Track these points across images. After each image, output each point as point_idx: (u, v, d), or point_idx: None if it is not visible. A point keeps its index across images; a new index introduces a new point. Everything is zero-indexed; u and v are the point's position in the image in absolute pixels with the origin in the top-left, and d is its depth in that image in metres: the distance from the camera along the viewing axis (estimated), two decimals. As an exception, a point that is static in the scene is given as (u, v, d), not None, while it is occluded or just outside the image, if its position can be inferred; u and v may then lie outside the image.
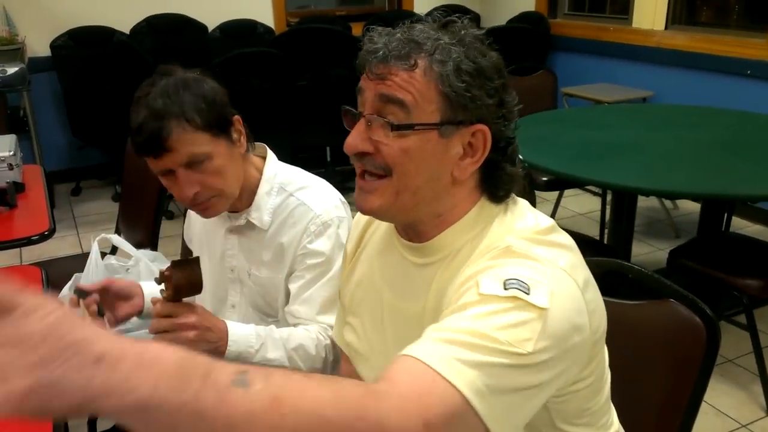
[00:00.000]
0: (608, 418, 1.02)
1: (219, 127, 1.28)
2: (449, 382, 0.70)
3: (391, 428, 0.65)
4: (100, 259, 1.70)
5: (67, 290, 1.77)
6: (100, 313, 1.35)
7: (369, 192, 0.91)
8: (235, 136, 1.33)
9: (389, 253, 1.03)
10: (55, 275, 1.76)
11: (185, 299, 1.23)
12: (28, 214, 2.11)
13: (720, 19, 4.49)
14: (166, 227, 1.51)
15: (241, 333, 1.28)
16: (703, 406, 1.13)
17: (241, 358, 1.26)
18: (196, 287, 1.21)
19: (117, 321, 1.40)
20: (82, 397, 0.53)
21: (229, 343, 1.25)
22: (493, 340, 0.74)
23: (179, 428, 0.57)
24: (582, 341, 0.83)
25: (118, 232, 2.47)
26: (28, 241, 1.94)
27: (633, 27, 4.64)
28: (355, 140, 0.90)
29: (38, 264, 1.90)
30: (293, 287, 1.37)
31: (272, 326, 1.35)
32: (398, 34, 0.89)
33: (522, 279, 0.79)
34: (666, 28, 4.45)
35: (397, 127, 0.86)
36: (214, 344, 1.23)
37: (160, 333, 1.19)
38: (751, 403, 2.42)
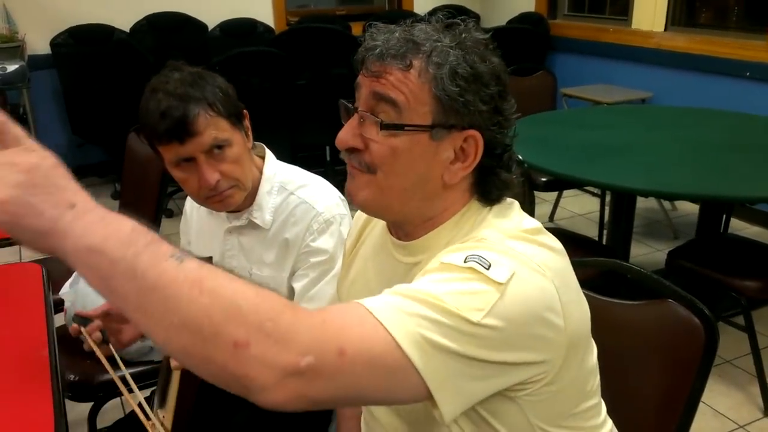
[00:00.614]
0: (597, 420, 1.00)
1: (235, 116, 1.32)
2: (384, 327, 0.71)
3: (301, 341, 0.66)
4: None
5: (68, 287, 1.77)
6: (105, 340, 1.31)
7: (355, 178, 0.91)
8: (245, 128, 1.36)
9: (382, 252, 1.03)
10: (56, 273, 1.76)
11: None
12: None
13: (719, 21, 4.49)
14: (165, 225, 1.51)
15: None
16: (701, 407, 1.13)
17: None
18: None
19: (122, 346, 1.35)
20: (48, 229, 0.64)
21: None
22: (442, 301, 0.74)
23: (113, 279, 0.64)
24: (552, 338, 0.81)
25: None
26: (28, 239, 1.93)
27: (632, 28, 4.65)
28: (346, 135, 0.90)
29: (38, 261, 1.90)
30: (297, 286, 1.38)
31: None
32: (398, 33, 0.88)
33: (484, 256, 0.79)
34: (665, 29, 4.46)
35: (387, 126, 0.86)
36: None
37: None
38: (749, 404, 2.43)
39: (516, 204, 0.96)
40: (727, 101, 3.77)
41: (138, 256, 0.64)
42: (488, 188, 0.92)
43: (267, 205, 1.39)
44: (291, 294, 1.41)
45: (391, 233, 1.00)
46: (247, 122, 1.37)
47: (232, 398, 1.42)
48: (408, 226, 0.95)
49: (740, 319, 2.40)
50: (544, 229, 0.91)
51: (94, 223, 0.65)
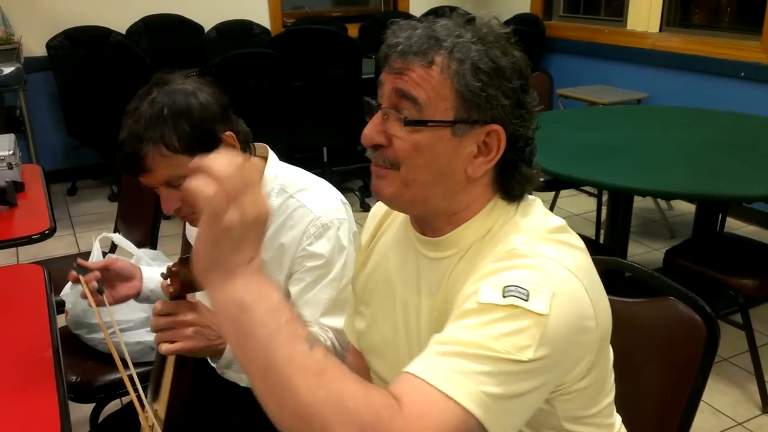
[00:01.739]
0: (612, 419, 1.03)
1: (202, 148, 1.25)
2: (450, 398, 0.72)
3: None
4: (102, 257, 1.70)
5: (68, 289, 1.78)
6: (100, 291, 1.39)
7: (381, 178, 0.92)
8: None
9: (404, 246, 1.04)
10: (55, 274, 1.76)
11: (189, 296, 1.24)
12: (28, 213, 2.11)
13: (714, 22, 4.52)
14: (165, 226, 1.52)
15: None
16: (699, 405, 1.14)
17: None
18: (200, 285, 1.21)
19: (115, 300, 1.44)
20: (226, 268, 0.71)
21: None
22: (492, 350, 0.75)
23: (249, 341, 0.69)
24: (589, 340, 0.84)
25: (116, 231, 2.47)
26: (28, 240, 1.94)
27: (627, 29, 4.67)
28: (371, 131, 0.90)
29: (39, 263, 1.90)
30: (293, 290, 1.37)
31: None
32: (420, 30, 0.88)
33: (521, 285, 0.79)
34: (660, 30, 4.48)
35: (410, 122, 0.87)
36: (213, 342, 1.23)
37: (160, 331, 1.20)
38: (747, 402, 2.44)
39: (538, 201, 0.97)
40: (722, 101, 3.80)
41: (278, 329, 0.68)
42: (510, 183, 0.93)
43: None
44: (288, 297, 1.41)
45: (415, 228, 1.01)
46: (233, 142, 1.30)
47: (227, 397, 1.43)
48: (433, 221, 0.96)
49: (738, 317, 2.41)
50: (568, 226, 0.93)
51: (254, 282, 0.71)
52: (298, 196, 1.39)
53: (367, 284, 1.11)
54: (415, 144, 0.88)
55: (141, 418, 1.24)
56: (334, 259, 1.35)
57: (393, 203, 0.96)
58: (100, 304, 1.37)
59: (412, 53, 0.86)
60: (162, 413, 1.23)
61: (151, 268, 1.59)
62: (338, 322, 1.34)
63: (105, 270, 1.42)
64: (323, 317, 1.35)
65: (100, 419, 1.76)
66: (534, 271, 0.82)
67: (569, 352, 0.82)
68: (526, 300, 0.78)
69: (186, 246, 1.79)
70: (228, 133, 1.29)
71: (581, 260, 0.87)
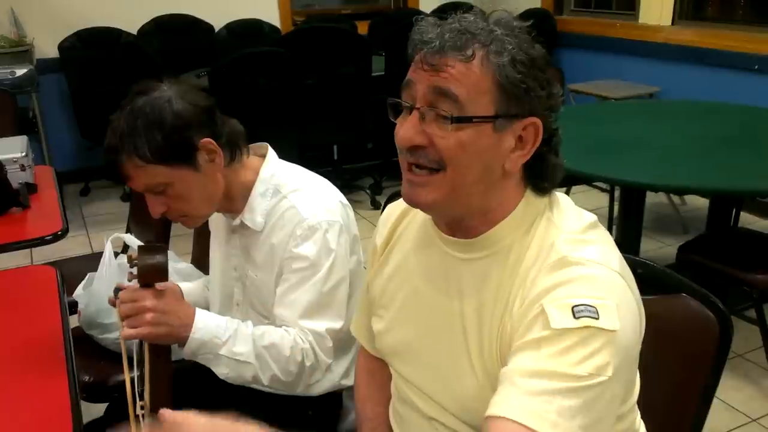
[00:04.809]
0: (635, 415, 1.03)
1: (177, 157, 1.27)
2: None
3: None
4: (114, 258, 1.71)
5: (81, 290, 1.79)
6: None
7: (421, 185, 0.90)
8: (205, 158, 1.30)
9: (428, 249, 1.02)
10: (68, 275, 1.77)
11: (158, 285, 1.26)
12: (41, 215, 2.12)
13: (727, 14, 4.48)
14: (176, 226, 1.52)
15: (209, 323, 1.29)
16: (713, 401, 1.13)
17: (206, 347, 1.28)
18: (161, 273, 1.23)
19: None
20: None
21: (193, 330, 1.27)
22: (577, 378, 0.78)
23: None
24: (640, 333, 0.89)
25: (128, 231, 2.48)
26: (41, 241, 1.95)
27: (639, 23, 4.63)
28: (409, 133, 0.88)
29: (51, 264, 1.92)
30: (279, 290, 1.37)
31: (248, 321, 1.36)
32: (451, 25, 0.87)
33: (589, 303, 0.81)
34: (673, 23, 4.45)
35: (456, 120, 0.85)
36: (174, 328, 1.25)
37: (123, 318, 1.23)
38: (761, 398, 2.42)
39: (562, 195, 0.98)
40: (735, 95, 3.76)
41: None
42: (540, 175, 0.94)
43: (259, 207, 1.38)
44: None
45: (442, 230, 0.99)
46: (212, 147, 1.30)
47: (222, 395, 1.43)
48: (468, 221, 0.94)
49: (752, 313, 2.39)
50: (598, 221, 0.95)
51: None
52: (291, 197, 1.38)
53: (387, 288, 1.09)
54: (460, 142, 0.86)
55: (130, 408, 1.26)
56: (320, 262, 1.34)
57: (435, 209, 0.94)
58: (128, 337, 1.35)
59: (450, 48, 0.85)
60: (148, 400, 1.25)
61: (190, 284, 1.61)
62: (320, 325, 1.34)
63: None
64: (303, 319, 1.34)
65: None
66: (593, 283, 0.83)
67: (636, 357, 0.88)
68: (597, 318, 0.80)
69: (196, 241, 1.80)
70: (206, 140, 1.29)
71: (620, 257, 0.90)
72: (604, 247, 0.88)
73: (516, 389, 0.79)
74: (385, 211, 1.16)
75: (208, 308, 1.58)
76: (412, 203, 0.93)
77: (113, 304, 1.37)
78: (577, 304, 0.81)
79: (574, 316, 0.80)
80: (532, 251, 0.90)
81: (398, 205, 1.13)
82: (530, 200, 0.94)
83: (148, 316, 1.22)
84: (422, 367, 1.02)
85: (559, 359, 0.78)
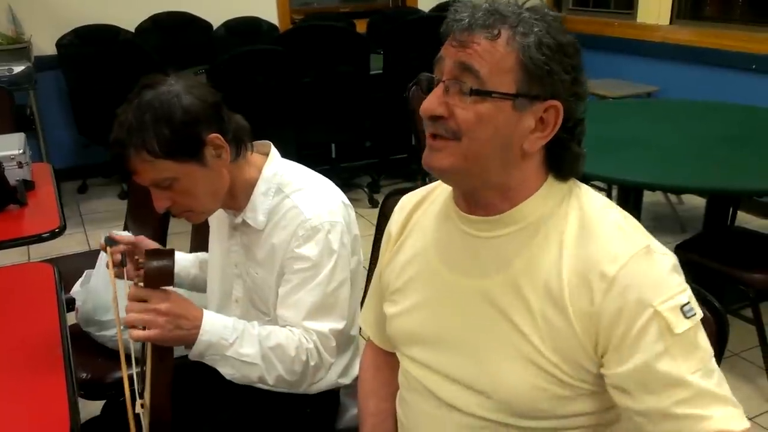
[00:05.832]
0: None
1: (185, 152, 1.27)
2: None
3: None
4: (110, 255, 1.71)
5: (78, 287, 1.79)
6: (122, 263, 1.41)
7: (438, 150, 0.93)
8: (212, 153, 1.30)
9: (445, 230, 1.05)
10: (65, 272, 1.77)
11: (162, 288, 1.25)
12: (39, 212, 2.12)
13: (725, 14, 4.48)
14: (174, 224, 1.52)
15: (216, 324, 1.28)
16: (711, 399, 1.13)
17: (213, 349, 1.28)
18: (167, 278, 1.22)
19: (136, 276, 1.41)
20: None
21: (201, 332, 1.26)
22: (711, 372, 0.89)
23: None
24: None
25: (126, 228, 2.48)
26: (38, 239, 1.95)
27: (638, 22, 4.64)
28: (431, 104, 0.92)
29: (49, 261, 1.92)
30: (281, 291, 1.37)
31: (254, 322, 1.36)
32: (483, 6, 0.91)
33: (688, 300, 0.90)
34: (671, 22, 4.45)
35: (474, 92, 0.89)
36: (186, 331, 1.25)
37: (133, 316, 1.21)
38: (757, 397, 2.43)
39: (575, 181, 1.01)
40: (733, 94, 3.76)
41: None
42: (561, 161, 0.97)
43: (261, 206, 1.38)
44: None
45: (461, 209, 1.02)
46: (219, 142, 1.30)
47: (219, 394, 1.44)
48: (487, 197, 0.97)
49: (748, 312, 2.40)
50: None
51: None
52: (293, 196, 1.38)
53: (402, 274, 1.10)
54: (478, 114, 0.89)
55: (129, 407, 1.26)
56: (323, 263, 1.34)
57: (449, 174, 0.96)
58: (119, 276, 1.39)
59: (478, 26, 0.89)
60: (147, 398, 1.25)
61: (181, 253, 1.61)
62: (323, 325, 1.34)
63: (133, 245, 1.45)
64: (306, 320, 1.34)
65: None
66: (672, 273, 0.92)
67: None
68: (695, 312, 0.89)
69: (194, 238, 1.80)
70: (213, 135, 1.29)
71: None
72: (642, 228, 0.96)
73: (665, 405, 0.87)
74: (399, 202, 1.19)
75: (202, 285, 1.63)
76: (429, 167, 0.96)
77: (104, 249, 1.42)
78: (684, 303, 0.89)
79: (686, 317, 0.88)
80: (572, 225, 0.94)
81: (414, 195, 1.17)
82: (553, 184, 0.97)
83: (161, 319, 1.20)
84: (446, 351, 1.02)
85: (693, 359, 0.88)
